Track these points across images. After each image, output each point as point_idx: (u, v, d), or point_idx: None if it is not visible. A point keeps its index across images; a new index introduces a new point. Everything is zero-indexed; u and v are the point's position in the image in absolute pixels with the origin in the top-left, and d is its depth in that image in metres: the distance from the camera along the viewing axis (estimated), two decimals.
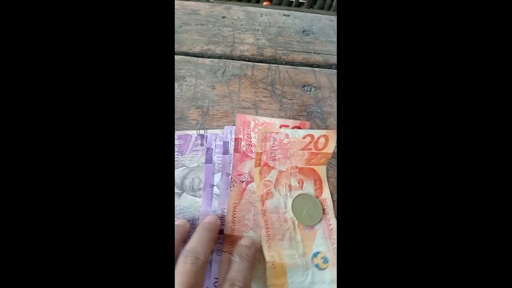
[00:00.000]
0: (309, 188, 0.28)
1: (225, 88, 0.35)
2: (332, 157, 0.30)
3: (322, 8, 1.77)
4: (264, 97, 0.35)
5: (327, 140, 0.29)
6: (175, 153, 0.28)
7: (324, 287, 0.24)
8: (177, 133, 0.30)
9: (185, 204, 0.26)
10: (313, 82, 0.37)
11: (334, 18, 0.47)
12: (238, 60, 0.38)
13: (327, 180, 0.29)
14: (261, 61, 0.38)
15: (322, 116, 0.33)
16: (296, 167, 0.29)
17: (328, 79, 0.37)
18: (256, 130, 0.30)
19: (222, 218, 0.26)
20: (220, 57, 0.38)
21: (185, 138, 0.30)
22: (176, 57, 0.37)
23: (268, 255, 0.25)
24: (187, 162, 0.28)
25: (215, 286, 0.23)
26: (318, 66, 0.39)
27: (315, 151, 0.29)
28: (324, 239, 0.26)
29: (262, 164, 0.29)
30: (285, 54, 0.39)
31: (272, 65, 0.38)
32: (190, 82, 0.35)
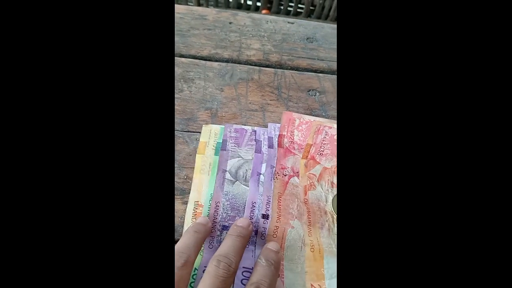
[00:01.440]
0: None
1: (233, 91, 0.36)
2: None
3: (319, 18, 1.80)
4: (270, 100, 0.36)
5: None
6: (232, 145, 0.30)
7: None
8: (234, 127, 0.32)
9: (238, 191, 0.28)
10: (317, 87, 0.38)
11: (335, 27, 0.48)
12: (245, 64, 0.39)
13: None
14: (267, 66, 0.40)
15: (328, 119, 0.35)
16: None
17: (332, 85, 0.38)
18: (300, 128, 0.31)
19: (268, 204, 0.27)
20: (227, 61, 0.39)
21: (241, 132, 0.32)
22: (185, 59, 0.38)
23: (308, 239, 0.25)
24: (243, 154, 0.30)
25: (243, 276, 0.24)
26: (322, 72, 0.40)
27: None
28: None
29: (309, 157, 0.30)
30: (290, 60, 0.41)
31: (278, 70, 0.39)
32: (199, 84, 0.36)
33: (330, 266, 0.25)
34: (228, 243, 0.23)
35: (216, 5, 1.81)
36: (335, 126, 0.31)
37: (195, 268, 0.23)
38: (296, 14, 1.83)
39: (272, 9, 1.82)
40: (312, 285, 0.23)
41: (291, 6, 1.80)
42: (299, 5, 1.81)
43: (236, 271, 0.22)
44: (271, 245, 0.24)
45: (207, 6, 1.78)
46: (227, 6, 1.79)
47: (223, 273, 0.21)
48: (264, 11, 1.83)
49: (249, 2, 1.80)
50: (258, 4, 1.81)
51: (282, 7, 1.81)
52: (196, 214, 0.26)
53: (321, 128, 0.30)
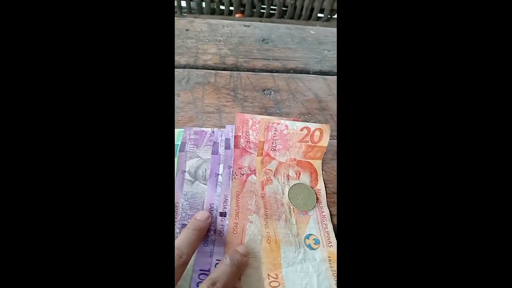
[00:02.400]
0: (305, 179, 0.31)
1: (190, 95, 0.37)
2: (325, 151, 0.32)
3: (292, 18, 1.84)
4: (227, 101, 0.37)
5: (322, 134, 0.31)
6: (191, 146, 0.32)
7: (314, 264, 0.26)
8: (194, 129, 0.33)
9: (197, 191, 0.29)
10: (272, 86, 0.39)
11: (291, 27, 0.50)
12: (201, 69, 0.41)
13: (322, 173, 0.32)
14: (224, 69, 0.41)
15: (276, 117, 0.36)
16: (295, 159, 0.32)
17: (286, 83, 0.40)
18: (254, 127, 0.33)
19: (225, 202, 0.29)
20: (184, 67, 0.41)
21: (200, 134, 0.33)
22: None
23: (264, 231, 0.27)
24: (202, 154, 0.32)
25: (200, 279, 0.25)
26: (277, 71, 0.42)
27: (311, 144, 0.32)
28: (316, 224, 0.28)
29: (264, 153, 0.32)
30: (246, 62, 0.42)
31: (234, 72, 0.41)
32: None
33: (287, 255, 0.26)
34: (182, 236, 0.24)
35: (189, 11, 1.82)
36: (283, 121, 0.32)
37: None
38: (270, 16, 1.86)
39: (245, 13, 1.84)
40: (269, 275, 0.25)
41: (263, 9, 1.83)
42: (272, 7, 1.84)
43: (187, 262, 0.23)
44: (240, 248, 0.25)
45: (181, 14, 1.79)
46: (200, 12, 1.80)
47: (174, 263, 0.22)
48: (237, 15, 1.85)
49: (222, 7, 1.81)
50: (231, 8, 1.83)
51: (255, 10, 1.84)
52: None
53: (270, 125, 0.32)
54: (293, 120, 0.33)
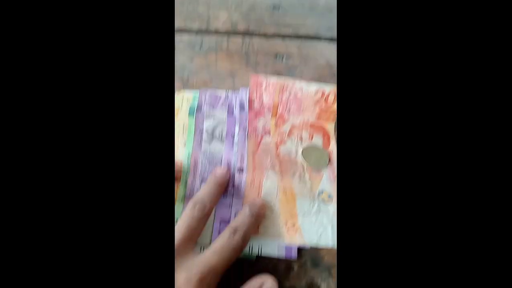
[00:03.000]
0: (317, 141, 0.32)
1: (203, 60, 0.38)
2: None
3: None
4: (239, 66, 0.38)
5: (335, 97, 0.32)
6: (208, 107, 0.33)
7: (328, 216, 0.27)
8: (209, 92, 0.34)
9: (214, 150, 0.31)
10: (284, 52, 0.40)
11: None
12: (214, 34, 0.41)
13: (335, 136, 0.33)
14: (235, 35, 0.41)
15: (291, 79, 0.37)
16: (308, 121, 0.33)
17: (297, 49, 0.40)
18: (268, 90, 0.34)
19: (242, 159, 0.30)
20: (196, 32, 0.41)
21: (215, 96, 0.34)
22: None
23: (280, 185, 0.28)
24: (218, 115, 0.33)
25: (221, 227, 0.26)
26: (288, 37, 0.42)
27: (325, 107, 0.32)
28: (329, 181, 0.30)
29: (278, 116, 0.33)
30: (257, 28, 0.42)
31: (246, 38, 0.41)
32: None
33: (302, 206, 0.28)
34: (205, 190, 0.26)
35: None
36: (297, 84, 0.33)
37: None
38: None
39: None
40: (286, 223, 0.26)
41: None
42: None
43: (210, 213, 0.25)
44: (258, 201, 0.27)
45: None
46: None
47: (198, 214, 0.24)
48: None
49: None
50: None
51: None
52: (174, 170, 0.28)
53: (284, 87, 0.33)
54: (309, 82, 0.34)
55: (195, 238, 0.24)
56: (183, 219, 0.24)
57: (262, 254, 0.26)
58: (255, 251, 0.26)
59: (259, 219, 0.26)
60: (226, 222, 0.26)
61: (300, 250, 0.26)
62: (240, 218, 0.25)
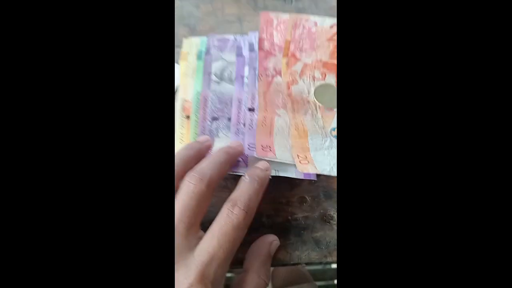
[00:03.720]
0: (330, 80, 0.31)
1: (209, 5, 0.37)
2: None
3: None
4: (247, 10, 0.36)
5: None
6: (216, 50, 0.32)
7: None
8: (217, 36, 0.33)
9: (224, 90, 0.30)
10: None
11: None
12: None
13: None
14: None
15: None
16: (321, 60, 0.32)
17: None
18: (279, 28, 0.32)
19: (253, 99, 0.29)
20: None
21: (224, 40, 0.33)
22: None
23: (293, 121, 0.28)
24: (226, 57, 0.32)
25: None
26: None
27: None
28: None
29: (289, 55, 0.32)
30: None
31: None
32: (176, 3, 0.37)
33: (314, 141, 0.27)
34: (207, 159, 0.22)
35: None
36: (312, 18, 0.31)
37: None
38: None
39: None
40: (298, 155, 0.26)
41: None
42: None
43: (212, 184, 0.20)
44: (260, 164, 0.23)
45: None
46: None
47: (195, 188, 0.19)
48: None
49: None
50: None
51: None
52: (184, 109, 0.28)
53: (298, 22, 0.31)
54: (324, 17, 0.32)
55: (198, 221, 0.20)
56: (179, 198, 0.19)
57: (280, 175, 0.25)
58: (272, 173, 0.24)
59: (263, 184, 0.22)
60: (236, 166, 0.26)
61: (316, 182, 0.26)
62: (239, 188, 0.21)
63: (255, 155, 0.25)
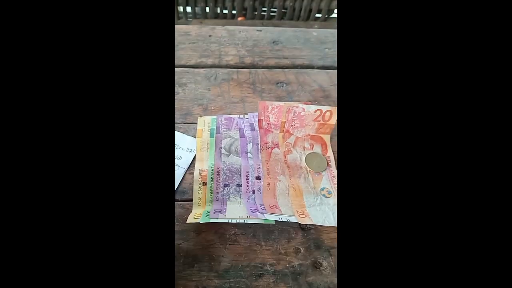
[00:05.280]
0: (317, 149, 0.40)
1: (218, 89, 0.46)
2: (333, 127, 0.41)
3: (292, 19, 1.92)
4: (248, 93, 0.46)
5: (331, 114, 0.40)
6: (224, 129, 0.41)
7: (329, 206, 0.34)
8: (224, 116, 0.42)
9: (232, 161, 0.38)
10: (284, 80, 0.48)
11: (297, 30, 0.59)
12: (225, 68, 0.49)
13: (330, 145, 0.40)
14: (243, 67, 0.50)
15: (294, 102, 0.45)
16: (309, 134, 0.41)
17: (295, 77, 0.49)
18: (273, 112, 0.42)
19: (258, 169, 0.38)
20: (211, 66, 0.49)
21: (230, 119, 0.42)
22: (177, 69, 0.48)
23: (290, 184, 0.36)
24: (233, 135, 0.41)
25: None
26: (287, 68, 0.50)
27: (323, 122, 0.40)
28: (328, 181, 0.37)
29: (285, 130, 0.41)
30: (261, 61, 0.51)
31: (252, 69, 0.49)
32: (190, 87, 0.46)
33: (308, 200, 0.35)
34: None
35: (195, 16, 1.91)
36: (301, 105, 0.41)
37: (207, 211, 0.33)
38: (270, 18, 1.95)
39: (247, 16, 1.93)
40: (297, 211, 0.33)
41: (264, 11, 1.92)
42: (272, 9, 1.92)
43: None
44: None
45: (186, 19, 1.88)
46: (205, 17, 1.89)
47: None
48: (240, 18, 1.94)
49: (225, 11, 1.90)
50: (234, 12, 1.92)
51: (256, 13, 1.92)
52: (201, 177, 0.36)
53: (290, 108, 0.40)
54: (309, 104, 0.42)
55: None
56: None
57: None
58: (276, 219, 0.31)
59: None
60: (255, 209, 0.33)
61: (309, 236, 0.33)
62: None
63: (266, 213, 0.32)
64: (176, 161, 0.37)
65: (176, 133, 0.40)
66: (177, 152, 0.38)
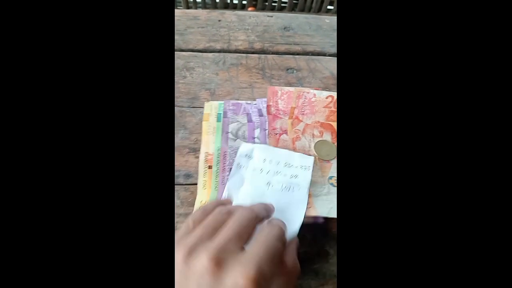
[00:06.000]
0: (327, 137, 0.39)
1: (226, 74, 0.45)
2: None
3: (303, 10, 1.89)
4: (257, 79, 0.45)
5: None
6: (231, 114, 0.40)
7: (335, 196, 0.33)
8: (231, 102, 0.41)
9: (239, 146, 0.37)
10: (294, 66, 0.47)
11: (309, 16, 0.57)
12: (234, 52, 0.48)
13: None
14: (253, 53, 0.49)
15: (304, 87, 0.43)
16: (318, 122, 0.40)
17: (306, 63, 0.47)
18: (282, 97, 0.40)
19: None
20: (220, 51, 0.48)
21: (237, 105, 0.41)
22: (185, 53, 0.47)
23: None
24: (240, 119, 0.40)
25: None
26: (297, 54, 0.49)
27: (334, 109, 0.39)
28: (336, 169, 0.35)
29: (294, 117, 0.40)
30: (271, 46, 0.50)
31: (262, 55, 0.48)
32: (198, 71, 0.45)
33: (315, 189, 0.34)
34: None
35: (204, 6, 1.89)
36: (312, 91, 0.40)
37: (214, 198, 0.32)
38: (281, 9, 1.92)
39: (257, 6, 1.90)
40: None
41: (275, 2, 1.89)
42: (282, 0, 1.89)
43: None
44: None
45: (196, 8, 1.87)
46: (215, 7, 1.87)
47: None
48: (250, 9, 1.91)
49: (235, 1, 1.88)
50: (244, 2, 1.90)
51: (266, 3, 1.90)
52: (207, 160, 0.35)
53: (301, 94, 0.39)
54: (321, 90, 0.41)
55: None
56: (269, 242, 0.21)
57: None
58: None
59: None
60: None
61: (316, 224, 0.32)
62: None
63: None
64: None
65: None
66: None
